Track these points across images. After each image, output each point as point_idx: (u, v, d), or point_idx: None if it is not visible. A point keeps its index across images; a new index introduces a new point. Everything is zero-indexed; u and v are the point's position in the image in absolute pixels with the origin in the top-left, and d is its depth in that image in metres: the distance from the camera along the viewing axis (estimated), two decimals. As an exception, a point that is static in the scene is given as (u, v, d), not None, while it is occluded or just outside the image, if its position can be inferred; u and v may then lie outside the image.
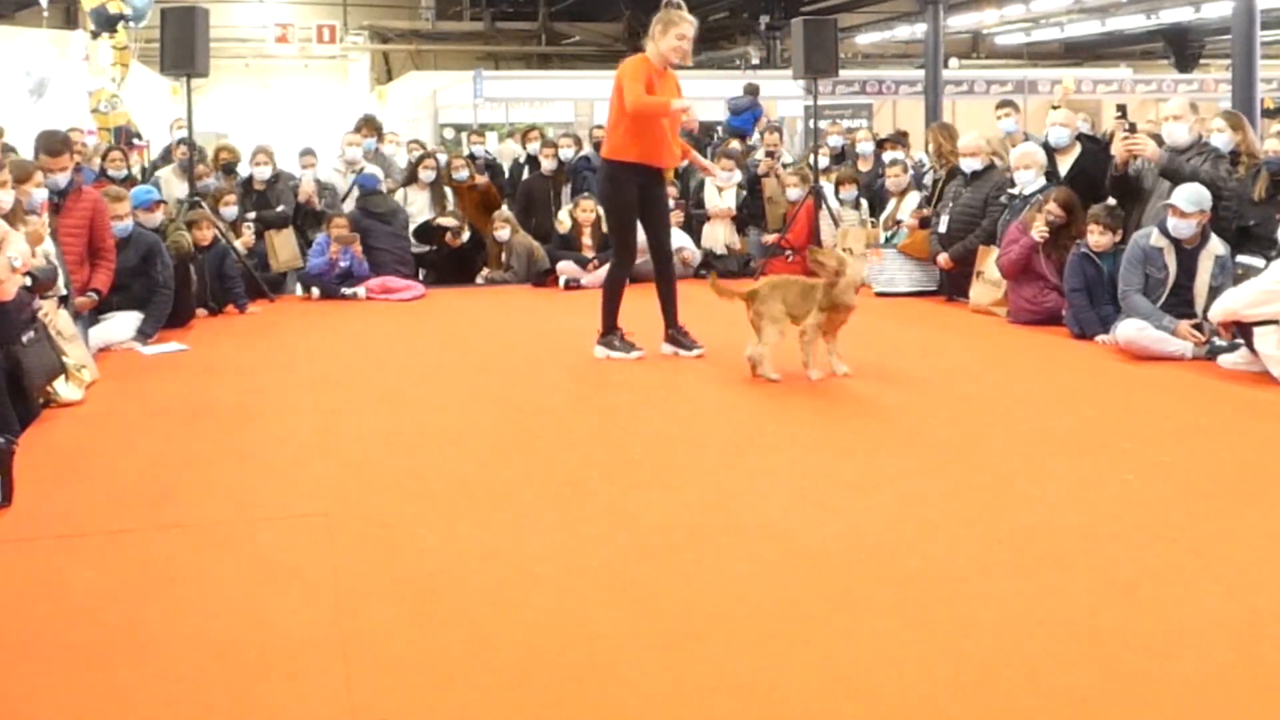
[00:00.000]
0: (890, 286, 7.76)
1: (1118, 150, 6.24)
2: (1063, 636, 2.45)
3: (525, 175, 10.07)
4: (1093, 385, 5.02)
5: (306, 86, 25.69)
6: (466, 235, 8.89)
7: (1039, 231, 6.33)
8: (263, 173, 8.56)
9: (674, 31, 5.41)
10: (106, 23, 13.01)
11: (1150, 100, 20.17)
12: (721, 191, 9.27)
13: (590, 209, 8.60)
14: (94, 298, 5.95)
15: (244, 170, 8.87)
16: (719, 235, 9.17)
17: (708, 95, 20.91)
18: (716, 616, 2.60)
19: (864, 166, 9.62)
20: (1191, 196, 5.46)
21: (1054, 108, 7.85)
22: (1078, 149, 7.14)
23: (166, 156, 9.89)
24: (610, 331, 5.65)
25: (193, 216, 7.48)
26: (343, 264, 8.08)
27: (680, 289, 5.77)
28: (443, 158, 9.91)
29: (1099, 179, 6.72)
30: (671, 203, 8.63)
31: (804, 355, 5.08)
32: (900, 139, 9.74)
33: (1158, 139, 6.44)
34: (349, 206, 8.81)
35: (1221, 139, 6.12)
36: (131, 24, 13.38)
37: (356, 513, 3.38)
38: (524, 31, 25.53)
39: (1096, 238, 5.89)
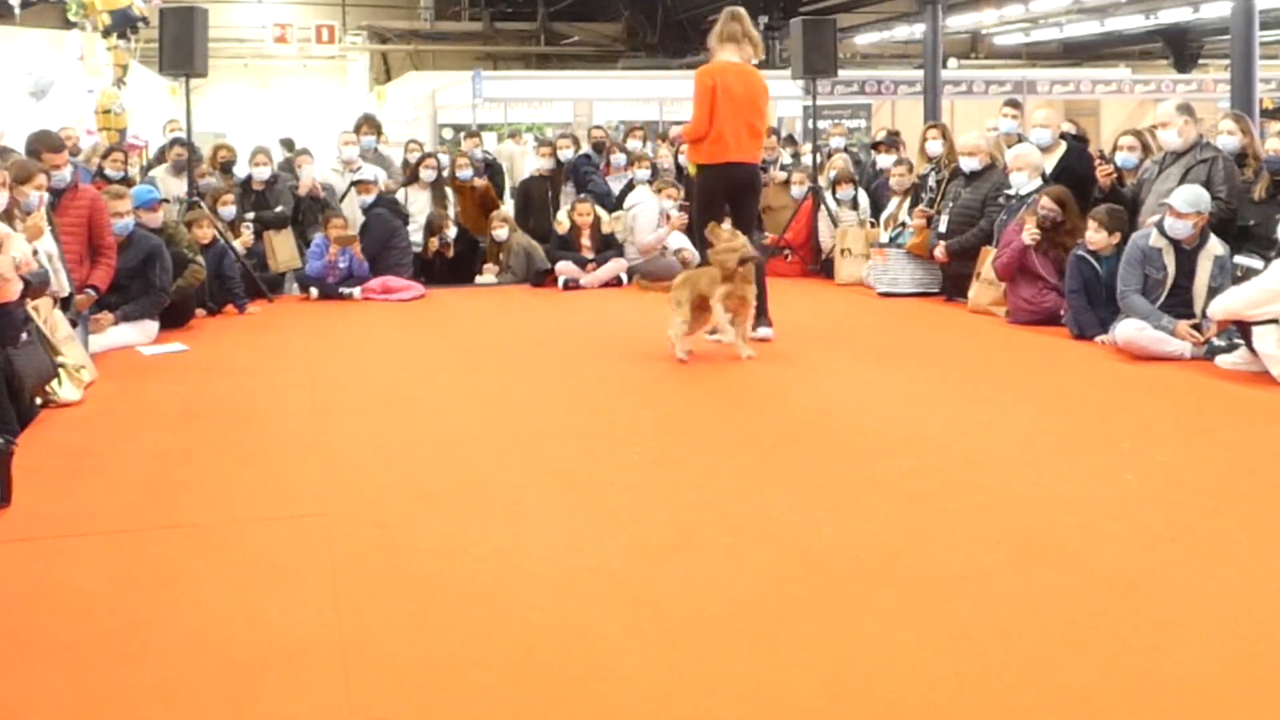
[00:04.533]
0: (894, 287, 7.76)
1: (1101, 178, 6.34)
2: (1063, 636, 2.45)
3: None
4: (1092, 385, 5.02)
5: (305, 87, 25.71)
6: (454, 232, 8.84)
7: (1029, 234, 6.34)
8: (262, 173, 8.55)
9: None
10: (126, 24, 12.94)
11: (1149, 100, 20.19)
12: None
13: (588, 211, 8.59)
14: (92, 295, 5.93)
15: (241, 170, 8.85)
16: None
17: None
18: (716, 616, 2.59)
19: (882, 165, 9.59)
20: (1189, 197, 5.46)
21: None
22: (1062, 147, 7.16)
23: (161, 157, 9.89)
24: None
25: (192, 216, 7.48)
26: (341, 265, 8.08)
27: None
28: (444, 158, 9.90)
29: (1084, 177, 6.76)
30: (675, 205, 8.66)
31: (714, 323, 5.64)
32: (894, 140, 9.68)
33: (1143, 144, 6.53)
34: (347, 205, 8.81)
35: (1232, 141, 6.13)
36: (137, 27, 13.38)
37: (355, 513, 3.38)
38: (523, 32, 25.53)
39: (1092, 235, 5.90)
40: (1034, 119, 7.36)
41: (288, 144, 8.65)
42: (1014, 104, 8.29)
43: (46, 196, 5.48)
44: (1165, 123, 6.13)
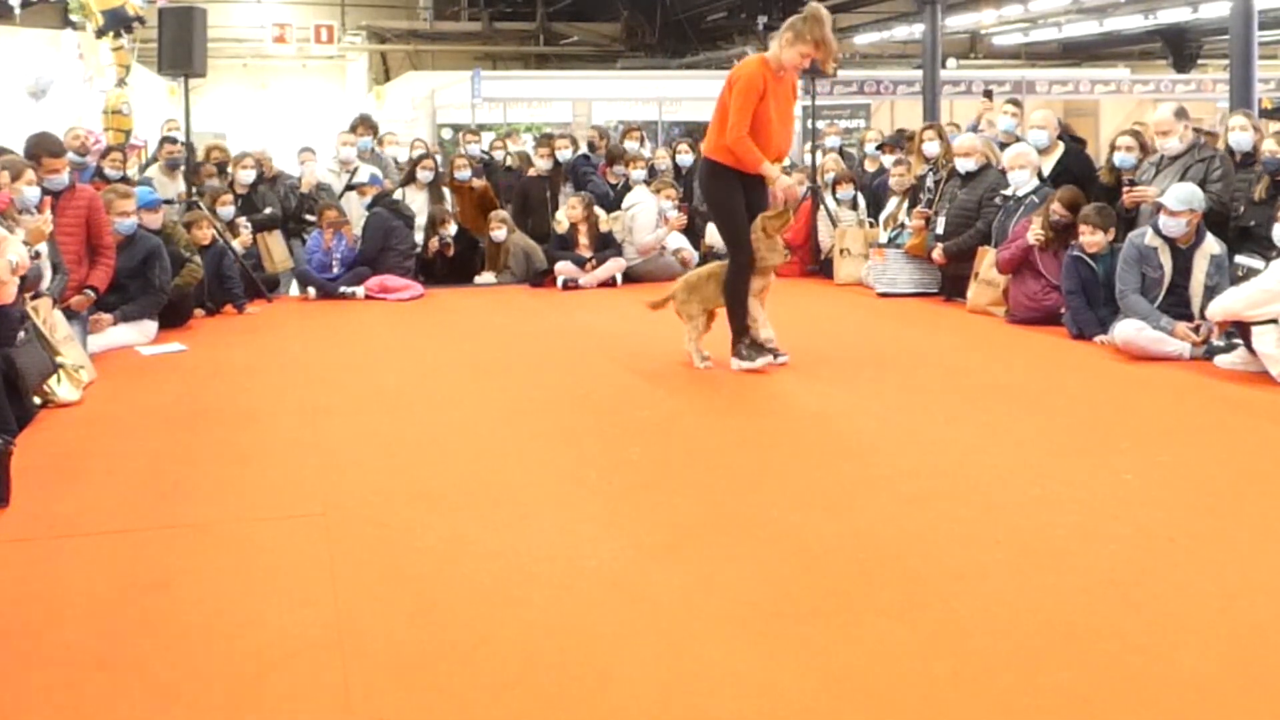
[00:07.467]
0: (892, 287, 7.76)
1: (1125, 199, 6.21)
2: (1062, 636, 2.45)
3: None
4: (1091, 385, 5.02)
5: (304, 87, 25.69)
6: (454, 229, 8.84)
7: (1035, 235, 6.34)
8: (247, 176, 8.54)
9: (800, 47, 5.07)
10: (120, 23, 12.89)
11: (1148, 101, 20.18)
12: None
13: (577, 205, 8.55)
14: (90, 295, 5.93)
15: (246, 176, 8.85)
16: None
17: (706, 96, 21.01)
18: (716, 616, 2.59)
19: (871, 166, 9.60)
20: (1182, 195, 5.47)
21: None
22: (1060, 149, 7.16)
23: (157, 156, 9.89)
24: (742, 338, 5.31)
25: (191, 217, 7.47)
26: (338, 254, 8.09)
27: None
28: (441, 158, 9.89)
29: (1083, 178, 6.74)
30: (673, 205, 8.65)
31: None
32: (900, 141, 9.68)
33: (1140, 142, 6.51)
34: (346, 207, 8.79)
35: (1245, 137, 6.13)
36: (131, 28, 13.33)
37: (354, 513, 3.38)
38: (522, 31, 25.50)
39: (1088, 238, 5.90)
40: (1031, 120, 7.37)
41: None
42: (1014, 102, 8.28)
43: (49, 198, 5.49)
44: (1166, 130, 6.14)
